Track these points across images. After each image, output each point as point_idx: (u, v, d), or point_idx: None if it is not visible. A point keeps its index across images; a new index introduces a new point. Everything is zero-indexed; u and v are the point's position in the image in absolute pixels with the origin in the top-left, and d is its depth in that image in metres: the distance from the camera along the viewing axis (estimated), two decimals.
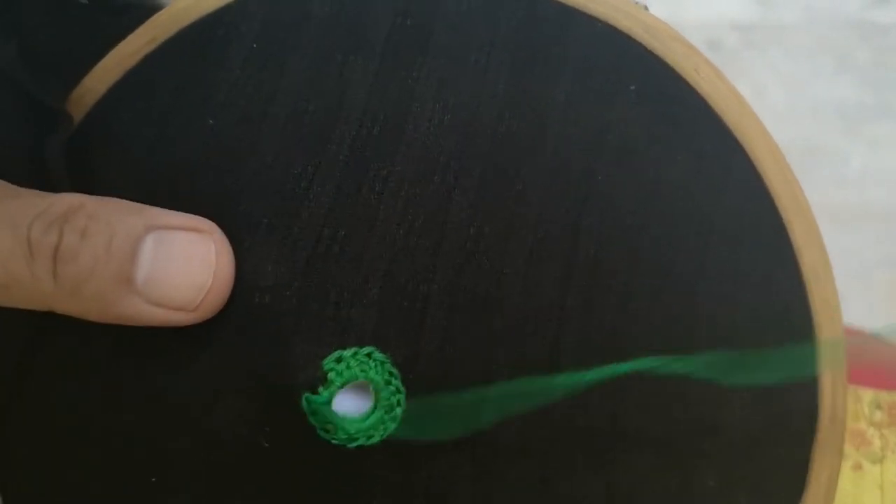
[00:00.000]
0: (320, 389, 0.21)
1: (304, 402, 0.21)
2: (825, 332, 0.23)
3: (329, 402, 0.22)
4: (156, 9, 0.25)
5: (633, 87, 0.24)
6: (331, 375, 0.22)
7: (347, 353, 0.22)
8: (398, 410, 0.22)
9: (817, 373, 0.23)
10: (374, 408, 0.22)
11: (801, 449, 0.23)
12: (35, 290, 0.19)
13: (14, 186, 0.20)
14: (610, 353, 0.22)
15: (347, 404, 0.22)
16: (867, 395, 0.43)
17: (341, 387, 0.22)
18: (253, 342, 0.22)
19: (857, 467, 0.41)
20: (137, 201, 0.22)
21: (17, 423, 0.23)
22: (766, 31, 0.80)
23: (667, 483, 0.23)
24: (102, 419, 0.22)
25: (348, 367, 0.22)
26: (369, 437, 0.22)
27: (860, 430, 0.42)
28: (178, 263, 0.21)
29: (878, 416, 0.42)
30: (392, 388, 0.22)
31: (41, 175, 0.21)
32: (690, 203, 0.23)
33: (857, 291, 0.73)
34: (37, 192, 0.20)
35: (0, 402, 0.23)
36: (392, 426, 0.22)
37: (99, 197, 0.21)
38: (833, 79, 0.78)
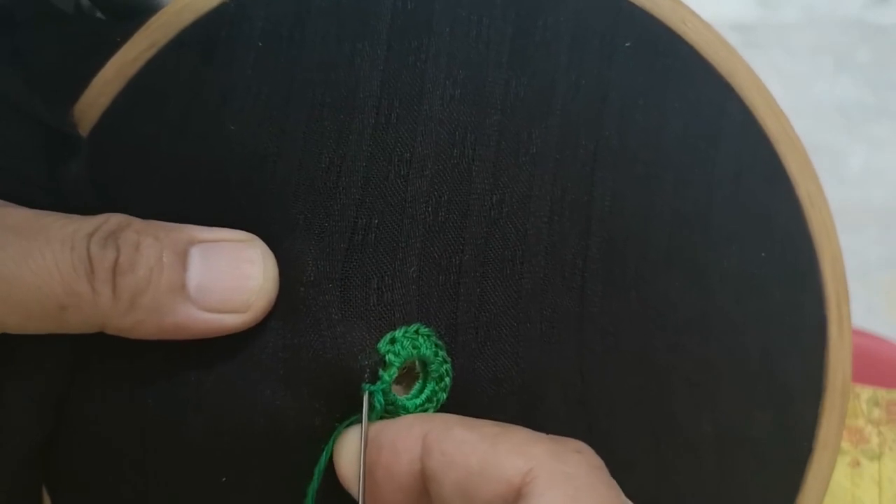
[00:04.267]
0: (381, 373, 0.22)
1: (366, 393, 0.22)
2: (825, 251, 0.25)
3: (389, 385, 0.22)
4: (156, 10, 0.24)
5: (627, 44, 0.25)
6: (389, 357, 0.22)
7: (399, 332, 0.23)
8: (447, 380, 0.23)
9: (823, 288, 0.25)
10: (425, 382, 0.23)
11: (815, 357, 0.25)
12: (93, 307, 0.20)
13: (57, 213, 0.21)
14: (634, 296, 0.24)
15: None
16: (865, 392, 0.43)
17: (400, 367, 0.22)
18: (305, 337, 0.22)
19: (855, 464, 0.41)
20: (168, 215, 0.22)
21: (69, 445, 0.23)
22: (767, 31, 0.80)
23: (696, 404, 0.24)
24: (160, 428, 0.22)
25: (402, 346, 0.22)
26: (426, 411, 0.23)
27: (858, 428, 0.42)
28: (227, 269, 0.21)
29: (877, 413, 0.42)
30: (440, 358, 0.23)
31: (63, 203, 0.22)
32: (692, 148, 0.25)
33: (857, 291, 0.73)
34: (79, 216, 0.21)
35: (49, 428, 0.23)
36: (443, 396, 0.23)
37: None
38: (833, 78, 0.79)
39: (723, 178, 0.24)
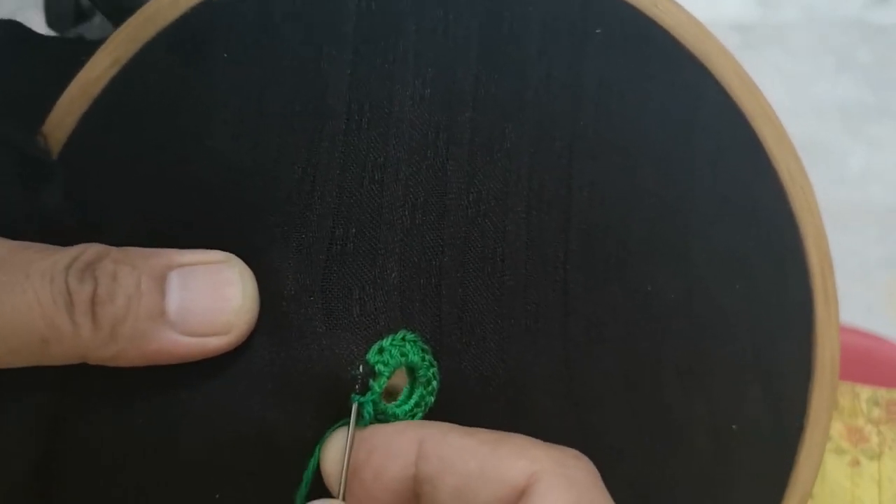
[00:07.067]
0: (371, 383, 0.22)
1: (355, 403, 0.21)
2: (808, 227, 0.25)
3: (379, 396, 0.22)
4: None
5: (598, 31, 0.24)
6: (378, 367, 0.22)
7: (386, 342, 0.22)
8: (434, 384, 0.22)
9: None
10: (413, 387, 0.22)
11: (803, 335, 0.25)
12: (74, 339, 0.20)
13: (37, 244, 0.21)
14: (618, 285, 0.23)
15: None
16: (865, 392, 0.43)
17: (389, 376, 0.22)
18: (292, 350, 0.22)
19: (855, 463, 0.41)
20: (146, 234, 0.22)
21: (63, 467, 0.22)
22: (767, 31, 0.80)
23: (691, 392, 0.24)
24: (152, 447, 0.22)
25: (391, 355, 0.22)
26: (414, 416, 0.22)
27: (858, 427, 0.42)
28: (206, 292, 0.21)
29: (876, 412, 0.42)
30: (427, 363, 0.22)
31: (41, 229, 0.21)
32: (670, 132, 0.24)
33: (857, 291, 0.74)
34: (58, 247, 0.21)
35: (42, 450, 0.22)
36: (431, 400, 0.22)
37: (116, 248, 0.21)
38: (833, 78, 0.79)
39: (702, 159, 0.24)
